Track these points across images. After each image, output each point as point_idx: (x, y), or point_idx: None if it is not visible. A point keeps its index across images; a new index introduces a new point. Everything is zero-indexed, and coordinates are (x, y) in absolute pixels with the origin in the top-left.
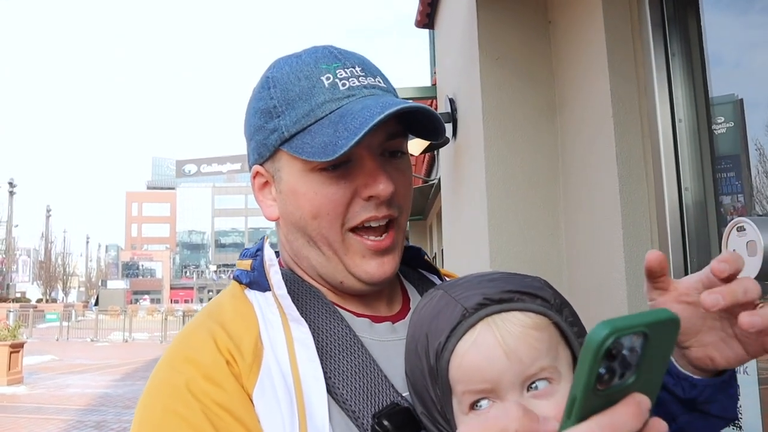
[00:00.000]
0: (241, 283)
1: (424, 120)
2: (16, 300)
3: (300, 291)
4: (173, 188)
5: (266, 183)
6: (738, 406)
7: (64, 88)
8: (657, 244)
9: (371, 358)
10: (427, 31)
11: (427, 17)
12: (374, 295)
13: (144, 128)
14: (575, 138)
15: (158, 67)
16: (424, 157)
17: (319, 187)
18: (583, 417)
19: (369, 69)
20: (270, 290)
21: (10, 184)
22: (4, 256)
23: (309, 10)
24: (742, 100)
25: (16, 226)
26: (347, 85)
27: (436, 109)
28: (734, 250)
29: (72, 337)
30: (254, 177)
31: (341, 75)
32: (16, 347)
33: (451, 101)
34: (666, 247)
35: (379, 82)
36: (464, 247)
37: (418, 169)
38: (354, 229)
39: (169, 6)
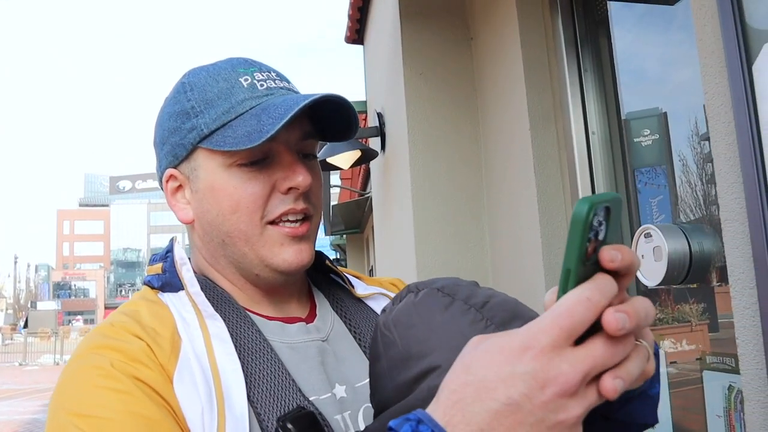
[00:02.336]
0: (153, 287)
1: (338, 119)
2: None
3: (212, 296)
4: (107, 205)
5: (180, 186)
6: (657, 409)
7: None
8: None
9: (280, 362)
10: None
11: (356, 33)
12: (285, 297)
13: (76, 144)
14: (496, 151)
15: (91, 81)
16: (360, 170)
17: (238, 182)
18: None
19: (283, 76)
20: (183, 289)
21: None
22: None
23: (253, 25)
24: (666, 113)
25: None
26: (265, 86)
27: (365, 123)
28: (642, 256)
29: (0, 361)
30: (167, 181)
31: (258, 77)
32: None
33: (380, 115)
34: None
35: (293, 87)
36: (394, 258)
37: (354, 182)
38: (272, 223)
39: (102, 17)
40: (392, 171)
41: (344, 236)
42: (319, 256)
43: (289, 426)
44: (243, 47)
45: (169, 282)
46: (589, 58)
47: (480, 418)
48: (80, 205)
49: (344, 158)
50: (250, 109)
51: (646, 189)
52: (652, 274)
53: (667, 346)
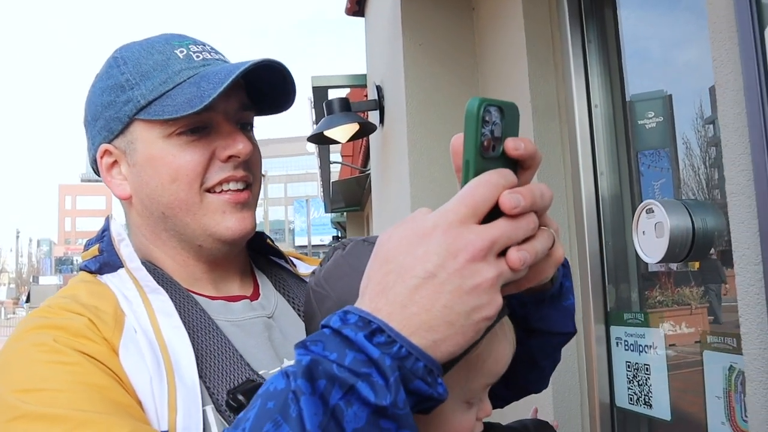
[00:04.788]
0: (90, 272)
1: (275, 89)
2: None
3: (154, 277)
4: None
5: (115, 162)
6: (574, 320)
7: None
8: (574, 228)
9: (225, 338)
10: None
11: (357, 5)
12: (228, 275)
13: (78, 119)
14: None
15: (96, 54)
16: (361, 147)
17: (176, 150)
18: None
19: (217, 50)
20: (122, 267)
21: None
22: None
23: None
24: (671, 95)
25: None
26: (201, 57)
27: (366, 97)
28: (644, 232)
29: (1, 335)
30: (101, 157)
31: (194, 49)
32: None
33: (379, 88)
34: (582, 231)
35: (227, 60)
36: None
37: (355, 159)
38: (211, 190)
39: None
40: (390, 145)
41: (344, 214)
42: (260, 236)
43: (240, 397)
44: (248, 28)
45: (107, 262)
46: (593, 31)
47: (402, 295)
48: (82, 181)
49: (342, 131)
50: (188, 78)
51: (649, 171)
52: (653, 250)
53: (666, 328)
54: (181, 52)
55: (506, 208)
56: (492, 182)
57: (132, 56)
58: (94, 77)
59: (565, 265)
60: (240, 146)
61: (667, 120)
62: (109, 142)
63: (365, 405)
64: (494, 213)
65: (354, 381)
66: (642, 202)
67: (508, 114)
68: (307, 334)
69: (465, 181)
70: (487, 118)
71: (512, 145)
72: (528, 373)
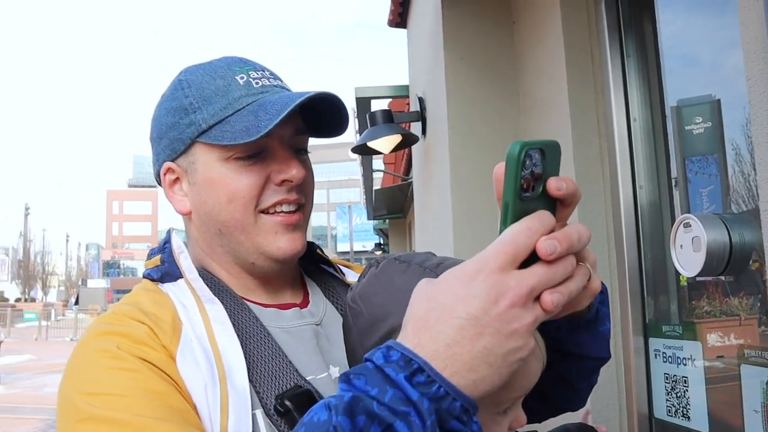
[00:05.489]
0: (153, 280)
1: (331, 115)
2: None
3: (210, 285)
4: (155, 186)
5: (177, 179)
6: (609, 345)
7: (44, 85)
8: (613, 241)
9: (276, 345)
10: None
11: (399, 17)
12: (279, 286)
13: (125, 126)
14: (535, 136)
15: (141, 64)
16: (403, 155)
17: (234, 174)
18: (514, 221)
19: (276, 75)
20: (182, 277)
21: None
22: None
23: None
24: (719, 100)
25: None
26: (260, 84)
27: (408, 108)
28: (681, 246)
29: (51, 336)
30: (164, 174)
31: (254, 76)
32: None
33: (421, 100)
34: (621, 243)
35: (286, 85)
36: (433, 243)
37: (397, 167)
38: (265, 212)
39: (148, 3)
40: (432, 156)
41: (386, 221)
42: (311, 246)
43: (287, 403)
44: (291, 29)
45: (168, 272)
46: (632, 43)
47: (445, 334)
48: (129, 186)
49: (385, 142)
50: (247, 105)
51: (697, 178)
52: (690, 264)
53: (704, 341)
54: (242, 78)
55: (543, 254)
56: (531, 229)
57: (195, 80)
58: (160, 97)
59: (602, 292)
60: (294, 171)
61: (715, 125)
62: (172, 161)
63: None
64: (533, 256)
65: (392, 420)
66: (683, 213)
67: (549, 153)
68: (345, 345)
69: (503, 222)
70: (527, 161)
71: (555, 186)
72: (563, 393)
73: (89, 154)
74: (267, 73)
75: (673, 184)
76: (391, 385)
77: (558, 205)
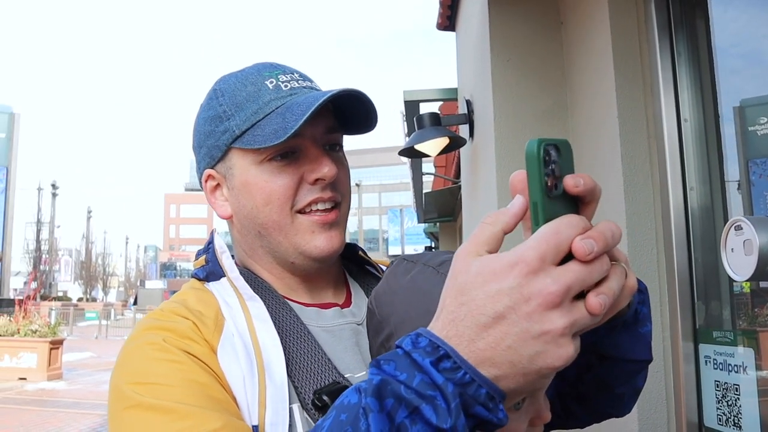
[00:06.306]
0: (199, 279)
1: (359, 112)
2: (58, 299)
3: (252, 284)
4: None
5: (218, 185)
6: (650, 347)
7: (105, 93)
8: (662, 243)
9: (316, 342)
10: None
11: (448, 20)
12: (321, 285)
13: (182, 130)
14: (583, 138)
15: (202, 72)
16: (454, 158)
17: (268, 176)
18: (546, 221)
19: (306, 76)
20: (225, 276)
21: (53, 186)
22: (47, 256)
23: (354, 11)
24: None
25: (58, 227)
26: (289, 86)
27: (456, 110)
28: (732, 249)
29: (110, 335)
30: (206, 181)
31: (283, 79)
32: (56, 344)
33: (468, 103)
34: (670, 247)
35: (316, 85)
36: None
37: (448, 170)
38: (301, 211)
39: (204, 6)
40: (479, 159)
41: (437, 224)
42: (353, 247)
43: (325, 398)
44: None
45: (212, 271)
46: (683, 43)
47: (470, 331)
48: (186, 190)
49: (432, 145)
50: (276, 108)
51: (761, 181)
52: (741, 268)
53: (757, 348)
54: (271, 82)
55: (580, 255)
56: (567, 228)
57: (228, 88)
58: (199, 107)
59: (642, 291)
60: (325, 170)
61: None
62: (211, 168)
63: (428, 425)
64: (565, 258)
65: (419, 403)
66: (753, 214)
67: (564, 151)
68: (369, 347)
69: (535, 223)
70: (547, 158)
71: (572, 183)
72: (603, 398)
73: (148, 158)
74: (296, 75)
75: (727, 186)
76: (418, 371)
77: (580, 204)
